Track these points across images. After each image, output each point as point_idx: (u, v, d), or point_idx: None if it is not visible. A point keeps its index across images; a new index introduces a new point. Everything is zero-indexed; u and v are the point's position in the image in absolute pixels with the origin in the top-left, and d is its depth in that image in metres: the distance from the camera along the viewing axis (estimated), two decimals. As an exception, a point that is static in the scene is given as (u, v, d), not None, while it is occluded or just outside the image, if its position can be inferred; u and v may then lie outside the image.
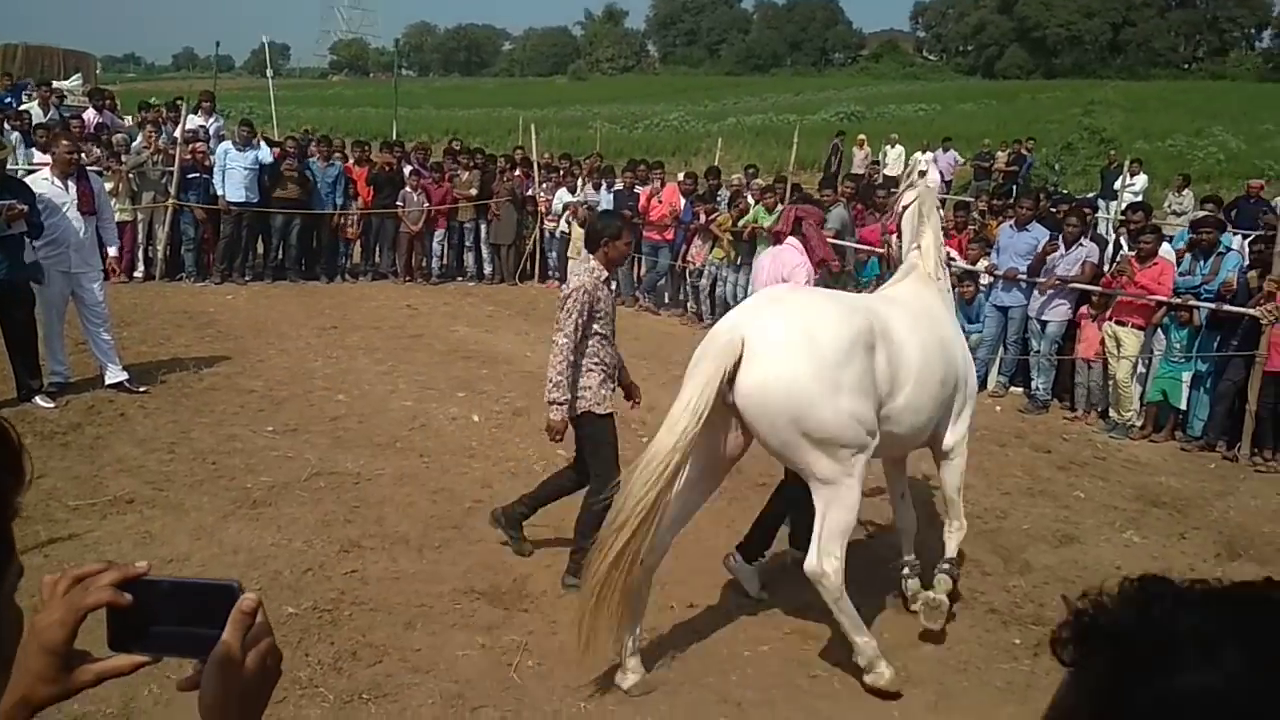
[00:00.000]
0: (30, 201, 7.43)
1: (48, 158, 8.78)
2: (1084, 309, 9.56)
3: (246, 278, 13.20)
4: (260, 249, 13.60)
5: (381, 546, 5.77)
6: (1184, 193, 17.73)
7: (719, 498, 6.84)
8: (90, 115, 14.43)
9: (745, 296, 11.97)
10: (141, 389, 8.24)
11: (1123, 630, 0.71)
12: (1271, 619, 0.68)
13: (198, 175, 12.68)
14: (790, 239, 6.29)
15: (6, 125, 12.37)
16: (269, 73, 22.57)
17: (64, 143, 8.19)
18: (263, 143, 13.22)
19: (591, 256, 5.44)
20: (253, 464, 6.88)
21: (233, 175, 12.63)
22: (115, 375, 8.20)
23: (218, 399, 8.25)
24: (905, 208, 5.76)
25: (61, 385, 8.06)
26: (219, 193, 12.65)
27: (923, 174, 6.05)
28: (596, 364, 5.38)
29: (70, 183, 7.94)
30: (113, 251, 9.03)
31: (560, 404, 5.29)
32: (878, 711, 4.50)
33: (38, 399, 7.76)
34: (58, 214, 7.79)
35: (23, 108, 14.28)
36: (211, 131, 13.97)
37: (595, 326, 5.33)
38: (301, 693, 4.31)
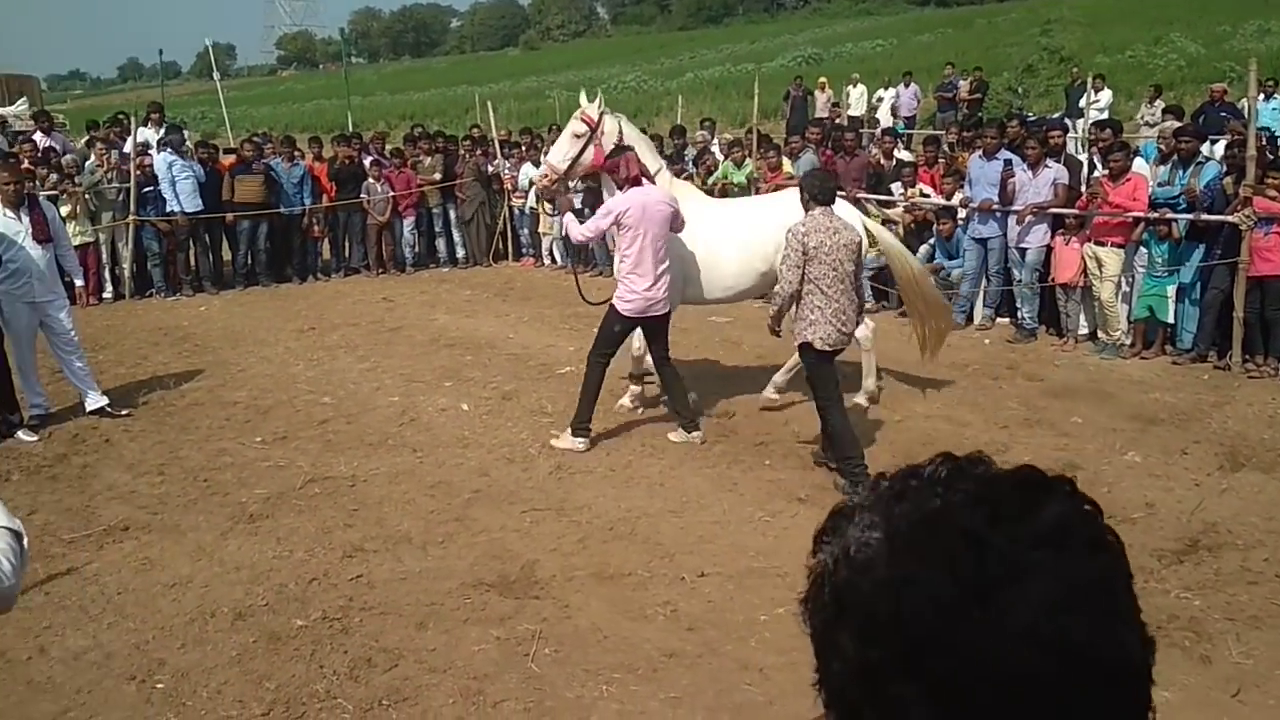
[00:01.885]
0: None
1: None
2: (1060, 233, 9.51)
3: (216, 288, 13.02)
4: (228, 255, 13.41)
5: (385, 548, 5.71)
6: (1156, 104, 17.67)
7: (719, 462, 6.85)
8: (40, 138, 14.13)
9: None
10: (124, 412, 8.12)
11: (835, 514, 0.85)
12: (899, 494, 0.80)
13: (153, 189, 12.45)
14: (645, 180, 7.04)
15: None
16: (216, 76, 22.13)
17: (2, 175, 7.98)
18: (196, 163, 12.81)
19: (833, 210, 6.38)
20: (245, 477, 6.79)
21: (183, 186, 12.41)
22: (95, 401, 8.08)
23: (203, 414, 8.13)
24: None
25: (42, 417, 7.93)
26: (170, 206, 12.41)
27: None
28: None
29: (22, 212, 7.77)
30: (78, 281, 8.89)
31: None
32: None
33: (20, 433, 7.63)
34: (14, 246, 7.63)
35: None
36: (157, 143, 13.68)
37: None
38: (320, 706, 4.26)
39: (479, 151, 14.57)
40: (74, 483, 6.81)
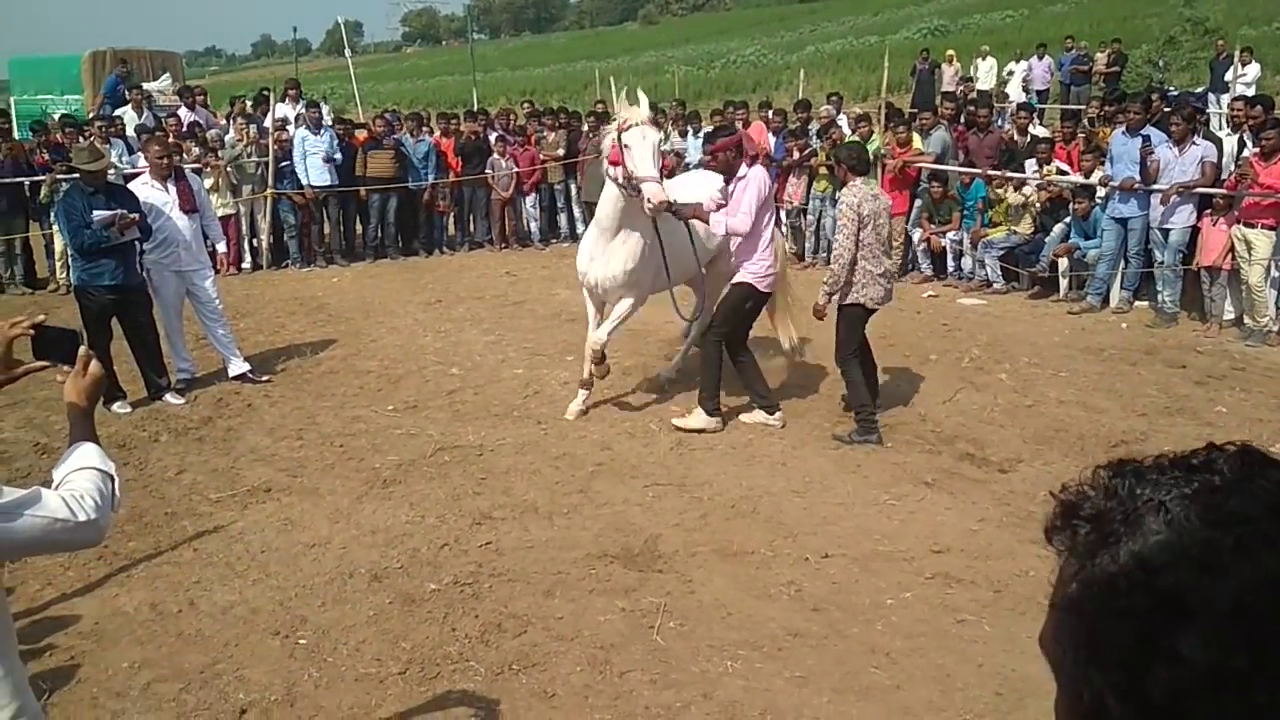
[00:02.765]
0: (137, 207, 7.65)
1: (150, 161, 9.00)
2: (1207, 213, 9.09)
3: (348, 260, 13.41)
4: (359, 229, 13.81)
5: (512, 516, 5.83)
6: (1316, 79, 16.65)
7: (842, 446, 6.78)
8: (184, 113, 14.75)
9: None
10: (264, 378, 8.47)
11: (1097, 510, 0.79)
12: (1214, 478, 0.76)
13: (290, 163, 12.89)
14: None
15: (101, 132, 12.65)
16: (347, 52, 22.65)
17: (155, 148, 8.38)
18: (331, 134, 13.16)
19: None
20: (379, 444, 7.01)
21: (313, 161, 12.81)
22: (238, 367, 8.44)
23: (337, 382, 8.42)
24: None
25: (188, 381, 8.33)
26: (302, 180, 12.85)
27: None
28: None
29: (169, 184, 8.14)
30: (221, 247, 9.28)
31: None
32: (1034, 650, 4.37)
33: (168, 396, 8.02)
34: (162, 216, 8.01)
35: (116, 113, 14.68)
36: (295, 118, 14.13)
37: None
38: (453, 667, 4.39)
39: (602, 127, 14.61)
40: (219, 444, 7.14)
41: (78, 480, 2.10)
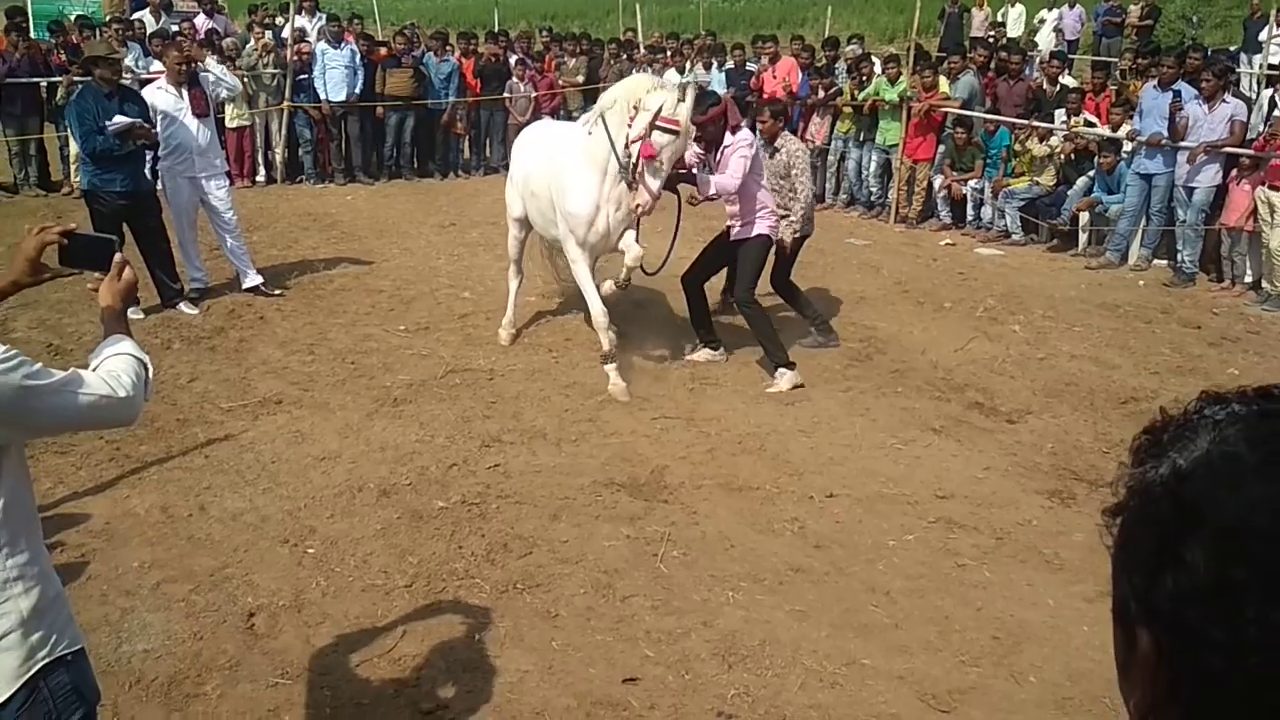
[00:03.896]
0: (146, 114, 7.64)
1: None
2: (1233, 174, 8.98)
3: (366, 178, 13.29)
4: (375, 147, 13.67)
5: (520, 441, 5.86)
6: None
7: (852, 386, 6.79)
8: (201, 20, 14.55)
9: (867, 173, 11.61)
10: (277, 292, 8.46)
11: (1163, 424, 0.81)
12: (1266, 414, 0.76)
13: (307, 77, 12.74)
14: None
15: (119, 34, 12.49)
16: (368, -34, 22.22)
17: (174, 53, 8.31)
18: (352, 48, 13.00)
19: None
20: (390, 363, 7.03)
21: (332, 75, 12.66)
22: (251, 279, 8.44)
23: (350, 300, 8.42)
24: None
25: (201, 290, 8.34)
26: (321, 95, 12.71)
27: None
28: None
29: (183, 89, 8.07)
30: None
31: None
32: (1032, 598, 4.43)
33: (181, 305, 8.04)
34: (175, 122, 7.97)
35: (134, 16, 14.49)
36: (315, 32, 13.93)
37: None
38: (459, 583, 4.45)
39: (624, 56, 14.42)
40: (231, 355, 7.16)
41: (113, 363, 2.19)
